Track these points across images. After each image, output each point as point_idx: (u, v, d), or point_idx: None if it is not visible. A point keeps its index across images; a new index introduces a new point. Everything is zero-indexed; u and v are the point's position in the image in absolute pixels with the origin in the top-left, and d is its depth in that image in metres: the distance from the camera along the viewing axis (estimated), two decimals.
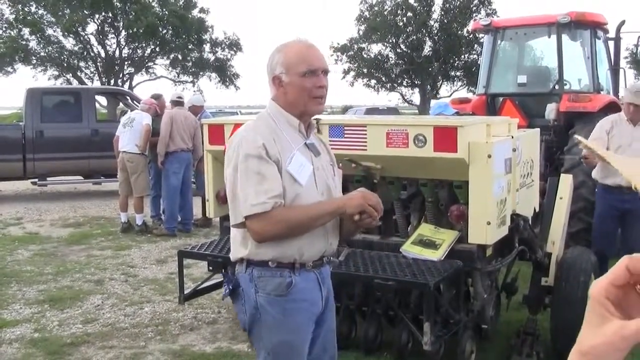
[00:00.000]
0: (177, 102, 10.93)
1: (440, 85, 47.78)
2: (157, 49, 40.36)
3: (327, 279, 3.09)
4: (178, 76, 42.56)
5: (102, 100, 22.55)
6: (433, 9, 45.72)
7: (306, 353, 2.98)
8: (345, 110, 46.02)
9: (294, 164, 2.86)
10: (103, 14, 37.52)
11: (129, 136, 10.51)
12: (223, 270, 3.09)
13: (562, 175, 6.09)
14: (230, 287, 3.00)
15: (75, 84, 36.70)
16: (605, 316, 0.83)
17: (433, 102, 37.47)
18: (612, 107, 8.27)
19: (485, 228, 4.34)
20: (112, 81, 38.72)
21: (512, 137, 4.77)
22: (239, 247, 2.94)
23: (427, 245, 4.61)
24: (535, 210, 5.50)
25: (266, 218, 2.76)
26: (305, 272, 2.92)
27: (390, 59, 47.61)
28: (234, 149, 2.87)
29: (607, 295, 0.84)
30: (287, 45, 2.98)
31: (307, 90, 2.87)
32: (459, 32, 44.89)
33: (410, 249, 4.64)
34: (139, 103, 12.23)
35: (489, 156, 4.26)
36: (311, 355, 3.05)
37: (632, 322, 0.80)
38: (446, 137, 4.29)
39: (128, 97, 16.59)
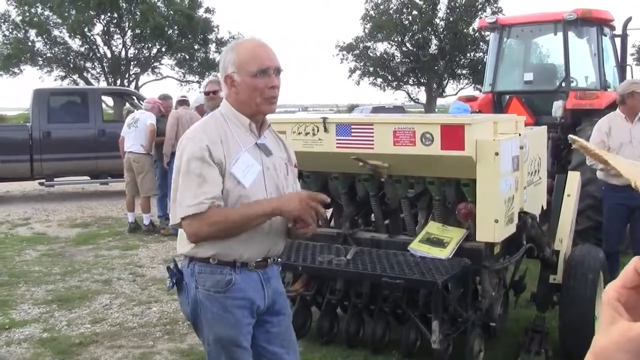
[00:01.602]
0: (182, 102, 10.97)
1: (447, 84, 47.79)
2: (164, 49, 40.43)
3: (273, 279, 3.07)
4: (184, 76, 42.64)
5: (108, 100, 22.56)
6: (439, 7, 45.73)
7: (247, 346, 2.99)
8: (351, 109, 46.03)
9: (239, 165, 2.86)
10: (109, 14, 37.59)
11: (134, 136, 10.55)
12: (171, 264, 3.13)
13: (570, 173, 6.08)
14: (174, 280, 3.03)
15: (81, 84, 36.82)
16: (615, 318, 0.83)
17: (449, 101, 37.43)
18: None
19: (493, 226, 4.33)
20: (118, 81, 38.83)
21: (520, 134, 4.75)
22: (183, 243, 2.96)
23: (434, 243, 4.61)
24: (542, 207, 5.48)
25: (202, 219, 2.77)
26: (246, 271, 2.93)
27: (396, 57, 47.62)
28: (180, 150, 2.90)
29: (618, 297, 0.84)
30: (239, 43, 2.98)
31: (259, 91, 2.86)
32: (465, 30, 44.87)
33: (418, 247, 4.63)
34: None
35: (497, 154, 4.25)
36: (269, 353, 3.09)
37: (638, 324, 0.80)
38: (453, 135, 4.28)
39: (134, 97, 16.62)
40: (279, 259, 3.17)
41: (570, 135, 1.01)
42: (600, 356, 0.82)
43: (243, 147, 2.90)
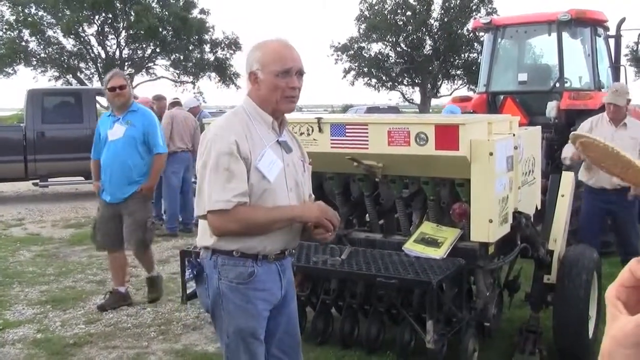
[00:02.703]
0: (175, 104, 10.99)
1: (441, 84, 47.81)
2: (158, 50, 40.38)
3: (287, 270, 3.24)
4: (178, 77, 42.57)
5: (102, 101, 22.49)
6: (433, 8, 45.73)
7: (262, 338, 3.12)
8: (346, 109, 46.04)
9: (264, 161, 2.97)
10: (103, 14, 37.52)
11: None
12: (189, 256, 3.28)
13: (564, 173, 6.09)
14: (195, 272, 3.13)
15: (75, 84, 36.75)
16: (616, 315, 0.85)
17: (443, 102, 37.49)
18: None
19: (487, 226, 4.33)
20: None
21: (514, 135, 4.76)
22: (206, 235, 3.06)
23: (429, 243, 4.61)
24: (537, 207, 5.49)
25: (227, 215, 2.90)
26: (267, 263, 3.07)
27: (391, 58, 47.63)
28: (206, 145, 2.98)
29: (617, 296, 0.87)
30: (265, 43, 3.07)
31: (280, 90, 2.98)
32: (459, 30, 44.90)
33: (412, 247, 4.64)
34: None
35: (491, 154, 4.25)
36: (275, 339, 3.24)
37: (633, 317, 0.81)
38: (448, 135, 4.29)
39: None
40: (294, 250, 3.33)
41: (574, 132, 1.00)
42: (604, 354, 0.83)
43: (266, 144, 3.02)
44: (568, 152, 6.59)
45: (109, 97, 6.53)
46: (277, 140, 3.10)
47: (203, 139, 3.07)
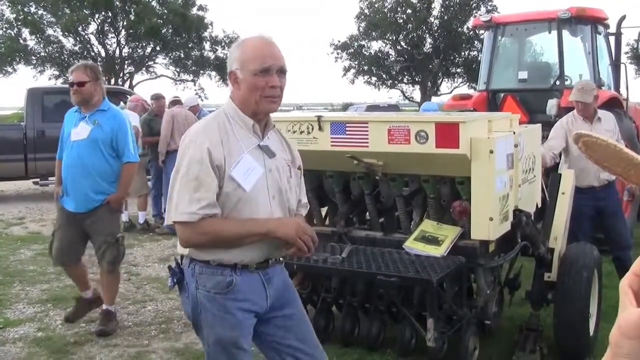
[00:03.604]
0: (175, 102, 11.00)
1: (441, 82, 47.92)
2: (158, 48, 40.41)
3: (274, 278, 3.04)
4: (178, 75, 42.61)
5: None
6: (433, 6, 45.82)
7: (248, 348, 2.99)
8: (346, 107, 46.02)
9: (240, 169, 2.82)
10: (103, 13, 37.55)
11: None
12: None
13: (564, 171, 6.09)
14: (175, 279, 3.02)
15: None
16: (625, 305, 0.85)
17: (443, 100, 37.49)
18: (613, 103, 8.27)
19: (487, 224, 4.33)
20: (113, 80, 38.78)
21: (514, 132, 4.76)
22: None
23: (429, 241, 4.61)
24: (537, 205, 5.49)
25: (193, 228, 2.79)
26: (247, 273, 2.92)
27: (391, 56, 47.70)
28: (182, 151, 2.87)
29: (630, 284, 0.87)
30: (245, 40, 2.95)
31: (259, 89, 2.82)
32: (459, 28, 44.97)
33: (413, 245, 4.64)
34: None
35: (491, 152, 4.25)
36: (285, 346, 3.09)
37: (638, 309, 0.81)
38: (448, 133, 4.29)
39: (128, 96, 16.59)
40: (281, 258, 3.13)
41: (578, 132, 1.00)
42: (611, 344, 0.83)
43: (245, 149, 2.87)
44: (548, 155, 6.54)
45: (71, 93, 5.81)
46: (259, 144, 2.94)
47: (182, 142, 2.93)
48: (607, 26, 9.51)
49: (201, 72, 42.53)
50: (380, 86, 48.71)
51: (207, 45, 42.14)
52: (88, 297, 6.21)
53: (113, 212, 5.90)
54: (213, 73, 42.61)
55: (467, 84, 44.91)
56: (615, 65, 9.60)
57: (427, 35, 46.56)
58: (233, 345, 2.92)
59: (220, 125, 2.87)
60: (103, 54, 39.61)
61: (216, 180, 2.78)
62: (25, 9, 36.52)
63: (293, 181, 3.09)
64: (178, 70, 42.41)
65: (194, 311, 2.95)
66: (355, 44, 47.22)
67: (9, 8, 36.29)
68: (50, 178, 14.45)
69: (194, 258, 2.94)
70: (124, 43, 39.94)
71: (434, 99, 48.96)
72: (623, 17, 9.44)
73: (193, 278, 2.92)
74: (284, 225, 2.90)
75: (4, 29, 36.86)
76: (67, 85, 6.09)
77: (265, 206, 2.90)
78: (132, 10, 37.71)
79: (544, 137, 6.54)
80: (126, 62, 40.67)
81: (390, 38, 46.52)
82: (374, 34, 46.33)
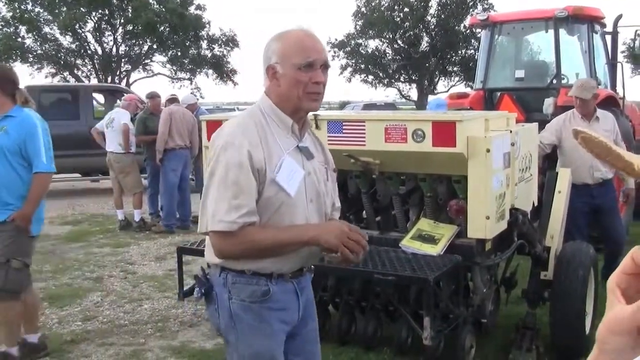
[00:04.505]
0: (172, 100, 11.00)
1: (438, 81, 47.90)
2: (155, 46, 40.40)
3: (305, 288, 2.89)
4: (175, 73, 42.59)
5: (99, 97, 22.49)
6: (430, 4, 45.79)
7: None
8: (342, 106, 46.01)
9: (283, 172, 2.62)
10: (100, 11, 37.52)
11: (110, 137, 10.59)
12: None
13: (561, 170, 6.09)
14: (203, 290, 2.79)
15: (72, 81, 36.74)
16: (613, 303, 0.86)
17: (431, 97, 37.47)
18: (609, 102, 8.27)
19: (484, 222, 4.34)
20: (109, 78, 38.74)
21: (511, 131, 4.76)
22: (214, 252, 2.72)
23: (426, 240, 4.61)
24: (534, 204, 5.49)
25: (231, 237, 2.56)
26: (282, 282, 2.73)
27: (388, 54, 47.70)
28: (216, 152, 2.62)
29: (618, 283, 0.87)
30: (286, 33, 2.71)
31: (302, 85, 2.61)
32: (456, 27, 44.95)
33: (409, 244, 4.63)
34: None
35: (488, 150, 4.25)
36: None
37: (627, 306, 0.82)
38: (445, 131, 4.29)
39: (125, 95, 16.60)
40: (312, 266, 2.97)
41: (575, 128, 1.00)
42: (598, 340, 0.84)
43: (284, 151, 2.66)
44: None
45: None
46: (298, 145, 2.73)
47: (212, 142, 2.68)
48: (603, 25, 9.52)
49: (198, 70, 42.51)
50: (377, 85, 48.73)
51: (204, 44, 42.13)
52: (11, 354, 5.23)
53: (16, 232, 5.04)
54: (210, 71, 42.61)
55: (464, 82, 44.95)
56: (612, 64, 9.61)
57: (424, 34, 46.55)
58: (270, 357, 2.74)
59: (257, 125, 2.65)
60: (100, 51, 39.57)
61: (256, 185, 2.57)
62: (22, 7, 36.48)
63: (329, 184, 2.91)
64: (175, 68, 42.40)
65: (228, 324, 2.73)
66: (352, 42, 47.22)
67: (6, 6, 36.26)
68: None
69: (225, 267, 2.71)
70: (121, 41, 39.91)
71: (431, 97, 49.06)
72: (619, 16, 9.45)
73: (225, 288, 2.71)
74: (327, 232, 2.64)
75: (0, 27, 36.81)
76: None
77: (302, 210, 2.71)
78: (129, 7, 37.67)
79: None
80: (123, 60, 40.63)
81: (387, 36, 46.51)
82: (370, 32, 46.32)
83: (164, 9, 38.26)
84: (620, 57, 10.68)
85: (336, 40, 47.31)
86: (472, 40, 42.43)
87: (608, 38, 9.55)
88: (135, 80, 42.17)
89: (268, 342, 2.73)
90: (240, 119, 2.73)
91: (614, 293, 0.86)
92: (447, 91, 42.97)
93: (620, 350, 0.82)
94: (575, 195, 6.23)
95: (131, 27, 38.34)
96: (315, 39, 2.69)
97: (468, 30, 41.29)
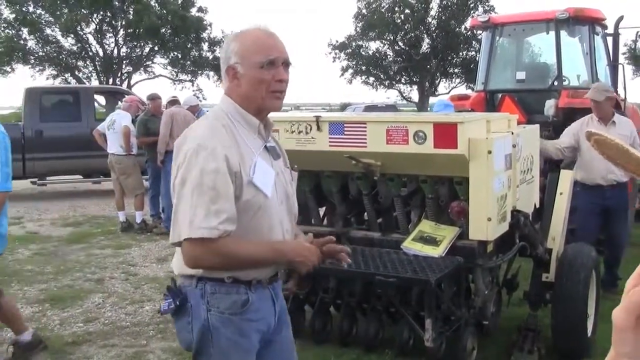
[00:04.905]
0: (174, 102, 11.01)
1: (439, 82, 47.91)
2: (156, 48, 40.44)
3: (279, 294, 2.82)
4: (176, 75, 42.61)
5: (100, 99, 22.54)
6: (431, 6, 45.81)
7: None
8: (344, 107, 46.02)
9: (258, 174, 2.54)
10: (101, 13, 37.55)
11: (112, 138, 10.62)
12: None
13: (562, 171, 6.10)
14: (178, 302, 2.63)
15: (73, 83, 36.78)
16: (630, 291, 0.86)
17: (433, 99, 37.48)
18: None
19: (485, 224, 4.34)
20: (111, 80, 38.76)
21: (512, 133, 4.77)
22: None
23: (427, 241, 4.61)
24: (535, 206, 5.49)
25: (208, 246, 2.42)
26: (260, 289, 2.65)
27: (389, 56, 47.70)
28: (186, 157, 2.48)
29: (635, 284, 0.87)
30: (244, 32, 2.64)
31: (265, 83, 2.54)
32: (457, 29, 44.95)
33: (411, 246, 4.63)
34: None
35: (489, 152, 4.26)
36: None
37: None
38: (446, 133, 4.29)
39: (126, 96, 16.63)
40: (282, 271, 2.93)
41: (589, 130, 1.00)
42: (614, 326, 0.85)
43: (255, 152, 2.59)
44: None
45: None
46: (265, 146, 2.67)
47: (179, 148, 2.55)
48: (604, 27, 9.52)
49: (199, 72, 42.53)
50: (378, 86, 48.73)
51: (205, 46, 42.15)
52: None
53: None
54: (211, 73, 42.61)
55: (465, 84, 44.95)
56: (613, 65, 9.60)
57: (425, 36, 46.57)
58: None
59: (226, 127, 2.56)
60: (101, 53, 39.60)
61: (233, 190, 2.47)
62: (24, 9, 36.51)
63: (293, 184, 2.86)
64: (176, 70, 42.43)
65: (202, 338, 2.59)
66: (353, 44, 47.22)
67: (7, 8, 36.28)
68: (48, 178, 14.48)
69: (203, 276, 2.57)
70: (122, 43, 39.94)
71: (432, 99, 49.07)
72: (621, 18, 9.44)
73: (203, 299, 2.57)
74: (301, 254, 2.63)
75: (2, 29, 36.83)
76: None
77: (277, 213, 2.64)
78: (130, 9, 37.71)
79: (542, 138, 6.58)
80: (124, 62, 40.66)
81: (388, 38, 46.52)
82: (371, 34, 46.33)
83: (165, 11, 38.30)
84: (621, 58, 10.68)
85: (337, 41, 47.34)
86: (473, 42, 42.45)
87: (609, 39, 9.55)
88: (136, 82, 42.25)
89: (245, 356, 2.64)
90: (206, 122, 2.63)
91: (627, 294, 0.86)
92: (448, 93, 43.02)
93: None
94: (587, 196, 6.25)
95: (132, 30, 38.34)
96: (274, 37, 2.63)
97: (469, 32, 41.30)
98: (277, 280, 2.80)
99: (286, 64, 2.60)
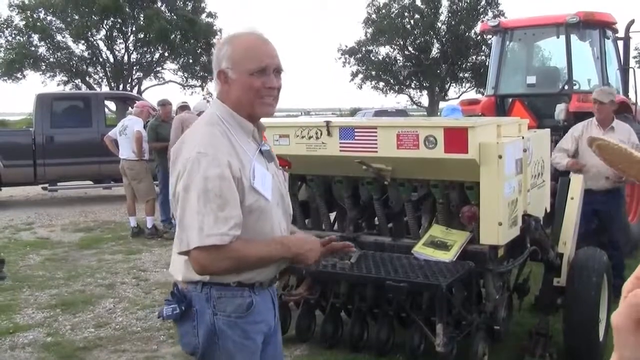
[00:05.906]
0: (184, 107, 11.05)
1: (449, 87, 47.77)
2: (166, 54, 40.56)
3: (275, 296, 2.83)
4: (186, 80, 42.73)
5: (111, 105, 22.62)
6: (440, 11, 45.72)
7: None
8: (354, 112, 46.01)
9: (258, 178, 2.54)
10: (112, 19, 37.70)
11: (124, 144, 10.65)
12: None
13: (573, 176, 6.08)
14: (183, 307, 2.61)
15: (84, 89, 36.93)
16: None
17: (443, 104, 37.45)
18: (622, 107, 8.24)
19: (496, 229, 4.33)
20: (121, 86, 38.90)
21: (523, 137, 4.76)
22: (190, 269, 2.57)
23: (438, 246, 4.61)
24: (546, 210, 5.48)
25: (219, 252, 2.42)
26: (262, 291, 2.67)
27: (398, 61, 47.63)
28: (186, 165, 2.46)
29: (632, 289, 0.87)
30: (236, 36, 2.61)
31: (254, 90, 2.52)
32: (467, 33, 44.87)
33: (422, 251, 4.63)
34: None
35: (500, 157, 4.25)
36: None
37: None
38: (457, 138, 4.29)
39: (137, 102, 16.69)
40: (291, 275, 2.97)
41: (591, 136, 1.01)
42: (614, 330, 0.85)
43: (251, 156, 2.58)
44: (562, 158, 6.63)
45: None
46: (260, 149, 2.66)
47: (177, 155, 2.54)
48: (615, 30, 9.50)
49: (209, 77, 42.60)
50: (388, 91, 48.67)
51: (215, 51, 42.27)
52: None
53: None
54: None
55: (475, 88, 44.87)
56: (624, 69, 9.59)
57: (435, 40, 46.50)
58: None
59: (223, 133, 2.54)
60: (111, 59, 39.76)
61: (238, 195, 2.47)
62: (35, 15, 36.69)
63: (286, 185, 2.89)
64: (186, 75, 42.55)
65: (208, 342, 2.58)
66: (363, 49, 47.20)
67: (19, 15, 36.47)
68: (59, 184, 14.54)
69: (209, 281, 2.57)
70: (133, 49, 40.08)
71: (442, 104, 49.00)
72: (632, 22, 9.43)
73: (209, 303, 2.57)
74: (305, 247, 2.67)
75: (13, 35, 37.03)
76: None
77: (276, 215, 2.65)
78: (141, 15, 37.86)
79: (553, 142, 6.57)
80: (134, 67, 40.81)
81: (398, 43, 46.49)
82: (381, 39, 46.31)
83: (175, 17, 38.43)
84: (632, 62, 10.67)
85: (346, 46, 47.34)
86: (483, 47, 42.34)
87: (620, 43, 9.53)
88: (146, 88, 42.34)
89: (252, 359, 2.66)
90: (202, 128, 2.60)
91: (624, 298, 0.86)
92: (458, 97, 42.94)
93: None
94: (587, 200, 6.23)
95: (143, 35, 38.47)
96: (267, 43, 2.59)
97: (479, 37, 41.22)
98: (275, 282, 2.84)
99: (278, 70, 2.58)
